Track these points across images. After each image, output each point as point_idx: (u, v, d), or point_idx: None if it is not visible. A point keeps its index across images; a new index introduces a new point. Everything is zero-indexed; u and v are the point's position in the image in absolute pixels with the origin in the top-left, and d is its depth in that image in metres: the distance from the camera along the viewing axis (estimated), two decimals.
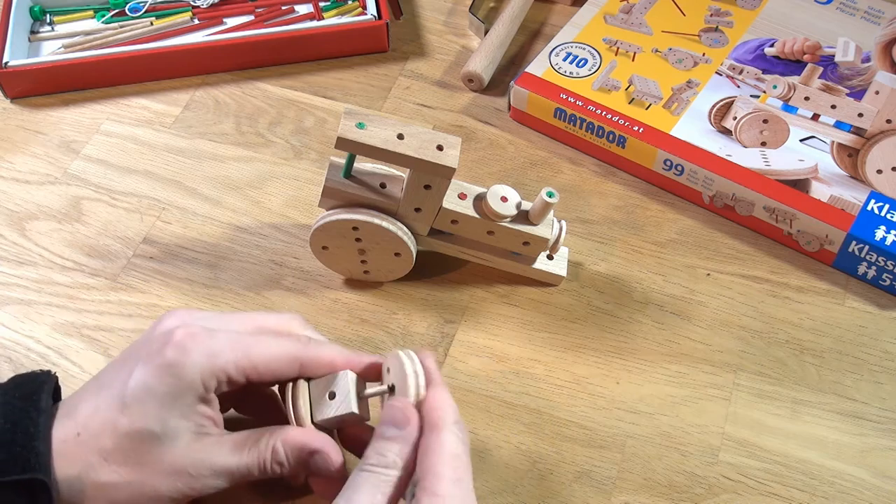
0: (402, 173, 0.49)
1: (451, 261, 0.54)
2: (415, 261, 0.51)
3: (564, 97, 0.60)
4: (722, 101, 0.60)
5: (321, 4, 0.71)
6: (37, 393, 0.38)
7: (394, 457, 0.36)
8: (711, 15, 0.66)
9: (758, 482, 0.46)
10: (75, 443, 0.37)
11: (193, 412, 0.38)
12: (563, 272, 0.53)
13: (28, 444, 0.36)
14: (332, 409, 0.40)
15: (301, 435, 0.39)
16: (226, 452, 0.39)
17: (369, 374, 0.41)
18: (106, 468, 0.37)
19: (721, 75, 0.62)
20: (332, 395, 0.40)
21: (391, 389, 0.39)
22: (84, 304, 0.54)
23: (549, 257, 0.54)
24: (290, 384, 0.41)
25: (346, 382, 0.40)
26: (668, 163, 0.58)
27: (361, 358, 0.41)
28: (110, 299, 0.54)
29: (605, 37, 0.65)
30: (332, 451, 0.39)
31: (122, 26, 0.69)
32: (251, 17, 0.71)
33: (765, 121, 0.59)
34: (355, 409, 0.39)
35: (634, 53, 0.63)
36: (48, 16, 0.71)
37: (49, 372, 0.40)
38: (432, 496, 0.34)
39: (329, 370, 0.40)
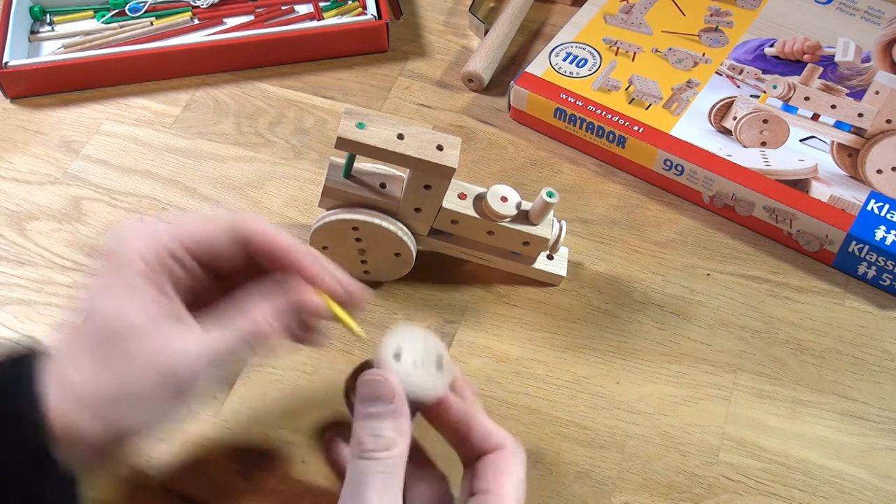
0: (402, 173, 0.49)
1: (451, 261, 0.54)
2: (415, 261, 0.51)
3: (564, 97, 0.60)
4: (722, 101, 0.60)
5: (321, 4, 0.71)
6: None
7: (391, 434, 0.35)
8: (711, 15, 0.66)
9: (758, 482, 0.46)
10: (60, 344, 0.35)
11: (151, 300, 0.35)
12: (563, 272, 0.53)
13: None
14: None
15: (283, 296, 0.37)
16: (203, 336, 0.35)
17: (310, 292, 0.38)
18: (84, 367, 0.34)
19: (721, 75, 0.62)
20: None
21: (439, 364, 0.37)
22: None
23: (549, 257, 0.54)
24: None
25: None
26: (668, 163, 0.58)
27: (315, 261, 0.38)
28: None
29: (605, 37, 0.65)
30: (312, 296, 0.37)
31: (122, 26, 0.69)
32: (251, 17, 0.71)
33: (765, 121, 0.59)
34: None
35: (634, 53, 0.63)
36: (48, 16, 0.71)
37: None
38: None
39: (274, 249, 0.38)
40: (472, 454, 0.38)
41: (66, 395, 0.33)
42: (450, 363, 0.36)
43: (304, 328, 0.38)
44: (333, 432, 0.42)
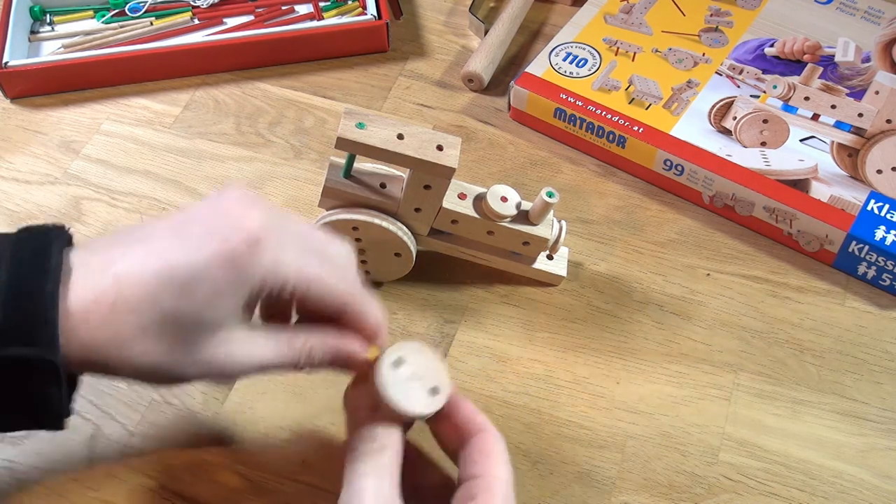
0: (402, 173, 0.49)
1: (451, 261, 0.54)
2: (415, 261, 0.51)
3: (564, 97, 0.60)
4: (722, 101, 0.60)
5: (321, 4, 0.71)
6: (47, 250, 0.33)
7: (382, 436, 0.35)
8: (711, 15, 0.66)
9: (758, 482, 0.46)
10: (110, 310, 0.32)
11: (241, 307, 0.35)
12: (563, 272, 0.53)
13: (38, 313, 0.31)
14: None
15: (336, 340, 0.38)
16: (261, 347, 0.36)
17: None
18: (138, 344, 0.33)
19: (721, 75, 0.62)
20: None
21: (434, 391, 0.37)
22: None
23: (549, 257, 0.54)
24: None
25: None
26: (668, 163, 0.58)
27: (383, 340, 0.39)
28: None
29: (605, 37, 0.65)
30: (360, 351, 0.38)
31: (122, 26, 0.69)
32: (251, 17, 0.71)
33: (765, 121, 0.59)
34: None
35: (634, 53, 0.63)
36: (48, 16, 0.71)
37: (62, 227, 0.35)
38: (486, 494, 0.34)
39: (363, 332, 0.38)
40: (454, 439, 0.38)
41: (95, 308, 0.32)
42: (447, 390, 0.37)
43: (341, 365, 0.39)
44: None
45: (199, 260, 0.33)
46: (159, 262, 0.33)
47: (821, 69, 0.62)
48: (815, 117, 0.59)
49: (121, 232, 0.36)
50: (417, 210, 0.48)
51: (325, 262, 0.37)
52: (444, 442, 0.39)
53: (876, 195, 0.54)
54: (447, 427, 0.38)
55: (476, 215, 0.49)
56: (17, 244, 0.33)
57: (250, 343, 0.36)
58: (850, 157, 0.56)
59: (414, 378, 0.36)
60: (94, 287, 0.33)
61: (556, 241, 0.50)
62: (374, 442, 0.35)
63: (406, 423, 0.37)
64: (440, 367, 0.37)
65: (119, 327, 0.33)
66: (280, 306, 0.41)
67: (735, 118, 0.59)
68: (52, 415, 0.34)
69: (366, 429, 0.36)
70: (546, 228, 0.50)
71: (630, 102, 0.60)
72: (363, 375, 0.38)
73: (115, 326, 0.33)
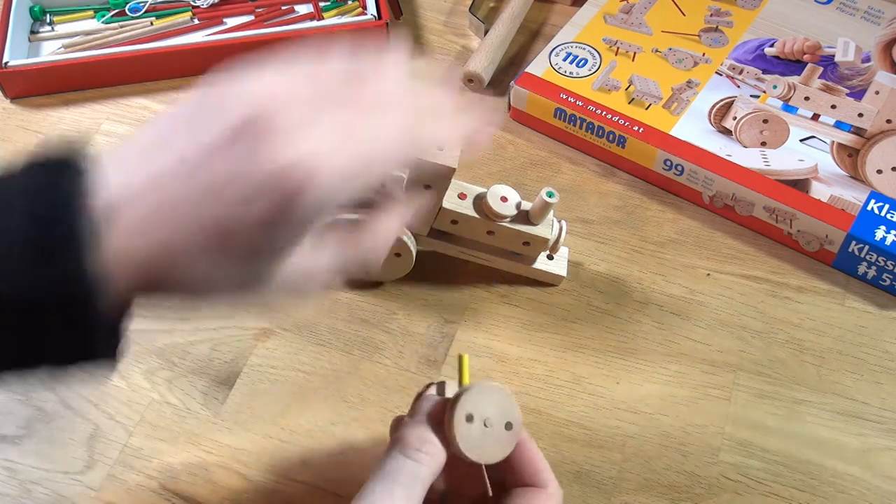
0: (402, 173, 0.49)
1: (451, 261, 0.54)
2: (415, 261, 0.51)
3: (564, 97, 0.60)
4: (722, 101, 0.60)
5: (321, 4, 0.71)
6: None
7: (435, 445, 0.35)
8: (711, 15, 0.66)
9: (758, 482, 0.46)
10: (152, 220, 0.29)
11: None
12: (564, 272, 0.53)
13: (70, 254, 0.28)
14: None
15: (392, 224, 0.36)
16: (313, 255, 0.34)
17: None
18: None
19: (721, 75, 0.62)
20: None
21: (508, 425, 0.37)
22: None
23: (549, 257, 0.54)
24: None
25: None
26: (668, 163, 0.58)
27: None
28: None
29: (605, 37, 0.65)
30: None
31: (122, 26, 0.69)
32: (251, 17, 0.71)
33: (765, 121, 0.59)
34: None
35: (634, 53, 0.63)
36: (48, 16, 0.71)
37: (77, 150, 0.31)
38: None
39: None
40: (511, 482, 0.37)
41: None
42: (519, 425, 0.36)
43: None
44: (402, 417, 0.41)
45: (240, 194, 0.29)
46: (199, 185, 0.29)
47: (821, 69, 0.62)
48: (815, 117, 0.59)
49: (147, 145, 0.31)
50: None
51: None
52: (495, 466, 0.38)
53: (876, 195, 0.54)
54: (509, 463, 0.37)
55: (476, 215, 0.49)
56: (32, 198, 0.29)
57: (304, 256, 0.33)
58: (850, 157, 0.56)
59: (487, 426, 0.35)
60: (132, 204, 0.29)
61: (557, 241, 0.50)
62: (421, 446, 0.35)
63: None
64: (511, 401, 0.36)
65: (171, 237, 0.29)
66: None
67: (735, 118, 0.59)
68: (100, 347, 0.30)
69: (419, 430, 0.35)
70: (546, 228, 0.50)
71: (630, 102, 0.60)
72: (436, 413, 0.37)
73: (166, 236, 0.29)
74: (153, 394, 0.50)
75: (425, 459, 0.34)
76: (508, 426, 0.36)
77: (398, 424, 0.39)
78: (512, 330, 0.52)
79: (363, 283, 0.54)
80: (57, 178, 0.29)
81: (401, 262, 0.52)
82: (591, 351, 0.51)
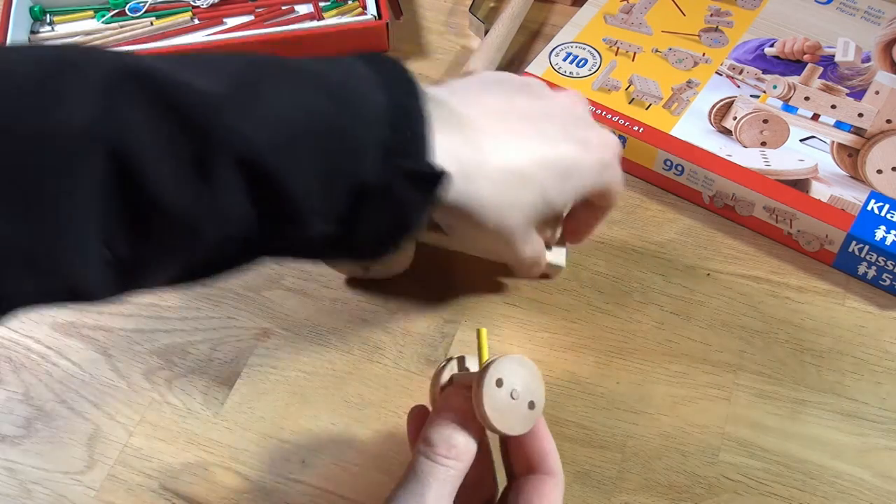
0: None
1: (450, 261, 0.54)
2: (413, 258, 0.51)
3: None
4: (722, 101, 0.60)
5: (321, 4, 0.71)
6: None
7: (463, 446, 0.35)
8: (711, 15, 0.66)
9: (758, 482, 0.46)
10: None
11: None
12: (562, 262, 0.52)
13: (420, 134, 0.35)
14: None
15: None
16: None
17: None
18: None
19: (721, 75, 0.62)
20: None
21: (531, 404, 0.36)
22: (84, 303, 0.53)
23: (548, 247, 0.53)
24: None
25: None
26: (668, 163, 0.58)
27: None
28: None
29: (605, 37, 0.65)
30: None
31: (122, 26, 0.69)
32: (251, 17, 0.71)
33: (765, 121, 0.59)
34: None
35: (634, 53, 0.63)
36: (48, 16, 0.71)
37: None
38: None
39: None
40: (520, 468, 0.37)
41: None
42: (541, 405, 0.36)
43: None
44: (419, 407, 0.41)
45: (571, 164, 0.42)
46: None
47: (821, 69, 0.62)
48: (815, 117, 0.59)
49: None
50: None
51: None
52: (507, 452, 0.38)
53: (876, 195, 0.54)
54: (518, 447, 0.37)
55: None
56: (387, 82, 0.36)
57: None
58: (851, 157, 0.56)
59: (514, 397, 0.35)
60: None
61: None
62: (449, 451, 0.34)
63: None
64: (539, 382, 0.36)
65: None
66: None
67: (735, 118, 0.59)
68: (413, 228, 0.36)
69: (446, 431, 0.35)
70: (560, 256, 0.51)
71: (630, 102, 0.60)
72: (460, 360, 0.39)
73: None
74: (153, 394, 0.50)
75: (454, 463, 0.34)
76: (531, 405, 0.36)
77: (416, 416, 0.39)
78: (512, 330, 0.52)
79: (363, 283, 0.54)
80: (404, 76, 0.37)
81: (400, 261, 0.52)
82: (591, 351, 0.51)
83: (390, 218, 0.35)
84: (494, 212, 0.39)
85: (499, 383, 0.35)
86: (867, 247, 0.52)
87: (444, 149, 0.35)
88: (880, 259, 0.52)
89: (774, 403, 0.49)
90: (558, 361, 0.51)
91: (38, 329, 0.52)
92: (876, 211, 0.53)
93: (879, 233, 0.52)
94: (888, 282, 0.53)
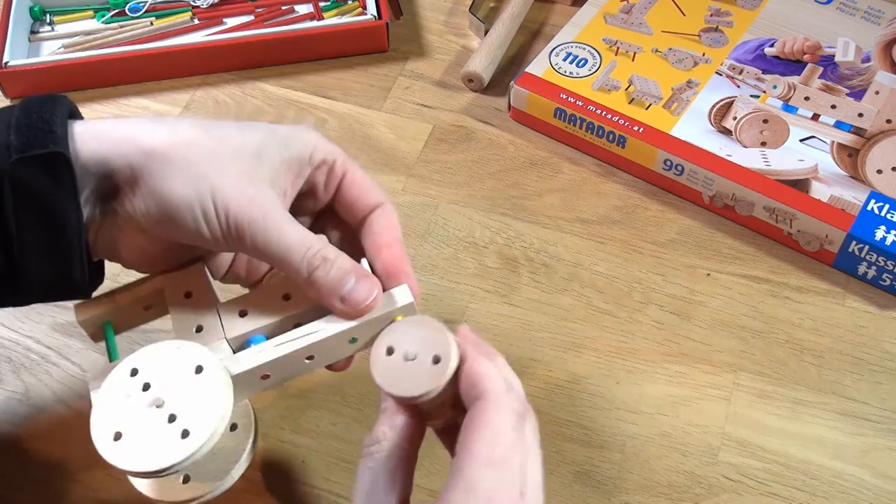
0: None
1: (450, 262, 0.54)
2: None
3: (564, 97, 0.60)
4: (722, 101, 0.60)
5: (321, 4, 0.71)
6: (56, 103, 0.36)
7: (381, 429, 0.34)
8: (711, 15, 0.66)
9: (758, 482, 0.46)
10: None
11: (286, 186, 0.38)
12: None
13: (48, 127, 0.34)
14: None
15: (353, 268, 0.37)
16: (290, 232, 0.36)
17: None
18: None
19: (721, 75, 0.62)
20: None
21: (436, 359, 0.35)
22: None
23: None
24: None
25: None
26: (668, 163, 0.58)
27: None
28: None
29: (605, 37, 0.65)
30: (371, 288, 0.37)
31: (122, 26, 0.69)
32: (251, 17, 0.71)
33: (765, 121, 0.59)
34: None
35: (634, 53, 0.63)
36: (48, 16, 0.71)
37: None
38: (456, 477, 0.30)
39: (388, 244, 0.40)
40: (464, 406, 0.35)
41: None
42: (452, 354, 0.35)
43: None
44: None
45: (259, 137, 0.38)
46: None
47: (821, 69, 0.62)
48: (815, 117, 0.59)
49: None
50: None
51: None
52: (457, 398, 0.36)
53: (876, 195, 0.54)
54: (458, 386, 0.35)
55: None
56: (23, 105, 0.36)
57: (283, 220, 0.36)
58: (850, 157, 0.56)
59: (407, 359, 0.35)
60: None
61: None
62: (369, 440, 0.35)
63: (423, 407, 0.35)
64: (441, 333, 0.35)
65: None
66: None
67: (735, 118, 0.59)
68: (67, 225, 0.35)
69: (376, 425, 0.35)
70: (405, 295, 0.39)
71: (630, 102, 0.60)
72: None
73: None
74: None
75: (374, 448, 0.34)
76: (436, 359, 0.35)
77: None
78: (512, 330, 0.52)
79: None
80: (45, 101, 0.36)
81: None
82: (591, 351, 0.51)
83: (25, 199, 0.34)
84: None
85: (389, 351, 0.35)
86: (867, 247, 0.52)
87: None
88: (880, 259, 0.52)
89: (774, 403, 0.49)
90: (558, 361, 0.51)
91: (38, 329, 0.52)
92: (876, 211, 0.53)
93: (879, 233, 0.52)
94: (888, 282, 0.53)
